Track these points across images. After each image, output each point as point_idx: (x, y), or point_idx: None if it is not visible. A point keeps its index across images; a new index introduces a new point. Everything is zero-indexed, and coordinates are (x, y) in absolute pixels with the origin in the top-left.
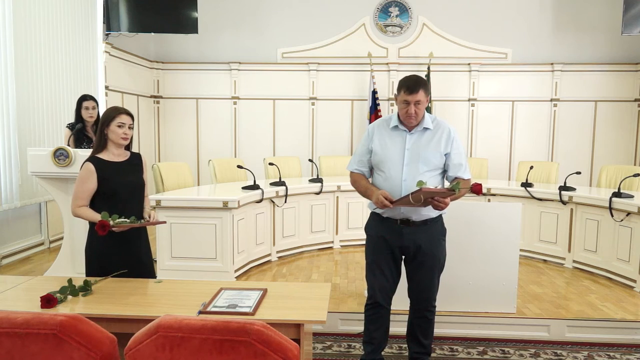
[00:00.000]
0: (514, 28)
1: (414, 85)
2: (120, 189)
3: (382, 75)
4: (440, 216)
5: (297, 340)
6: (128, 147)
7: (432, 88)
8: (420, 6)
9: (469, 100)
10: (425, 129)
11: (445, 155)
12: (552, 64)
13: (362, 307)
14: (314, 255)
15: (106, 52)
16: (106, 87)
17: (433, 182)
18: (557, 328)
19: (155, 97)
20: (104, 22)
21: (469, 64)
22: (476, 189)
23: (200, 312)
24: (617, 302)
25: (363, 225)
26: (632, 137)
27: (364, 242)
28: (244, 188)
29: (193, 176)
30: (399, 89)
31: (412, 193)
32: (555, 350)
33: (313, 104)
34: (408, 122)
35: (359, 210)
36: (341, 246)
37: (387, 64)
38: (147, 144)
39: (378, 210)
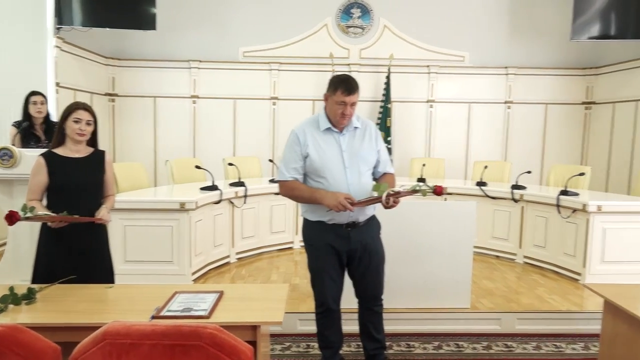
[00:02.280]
0: (471, 32)
1: (352, 86)
2: (68, 184)
3: None
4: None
5: (254, 342)
6: (93, 144)
7: (392, 89)
8: (381, 8)
9: (428, 101)
10: (355, 128)
11: (377, 151)
12: (506, 67)
13: None
14: (274, 256)
15: (57, 47)
16: (57, 84)
17: (370, 180)
18: (508, 321)
19: (110, 95)
20: (55, 16)
21: (427, 66)
22: (438, 191)
23: (152, 317)
24: (564, 295)
25: None
26: (579, 138)
27: None
28: (202, 189)
29: (150, 177)
30: (333, 89)
31: (386, 197)
32: (506, 342)
33: (274, 103)
34: (341, 123)
35: None
36: (301, 246)
37: (348, 64)
38: (102, 144)
39: (323, 218)
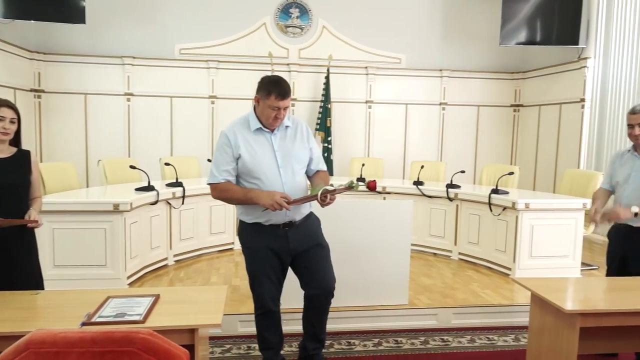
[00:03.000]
0: (406, 35)
1: (286, 90)
2: None
3: (283, 76)
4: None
5: (192, 346)
6: (16, 144)
7: (332, 90)
8: (320, 9)
9: (366, 102)
10: (286, 127)
11: (309, 149)
12: (441, 70)
13: None
14: (214, 258)
15: None
16: None
17: (303, 179)
18: (444, 316)
19: (36, 91)
20: None
21: (366, 67)
22: (372, 186)
23: (83, 324)
24: (496, 289)
25: None
26: (509, 139)
27: None
28: (137, 189)
29: (81, 178)
30: (266, 93)
31: (320, 195)
32: (443, 337)
33: (213, 102)
34: (273, 125)
35: None
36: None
37: (288, 64)
38: (27, 143)
39: (259, 219)
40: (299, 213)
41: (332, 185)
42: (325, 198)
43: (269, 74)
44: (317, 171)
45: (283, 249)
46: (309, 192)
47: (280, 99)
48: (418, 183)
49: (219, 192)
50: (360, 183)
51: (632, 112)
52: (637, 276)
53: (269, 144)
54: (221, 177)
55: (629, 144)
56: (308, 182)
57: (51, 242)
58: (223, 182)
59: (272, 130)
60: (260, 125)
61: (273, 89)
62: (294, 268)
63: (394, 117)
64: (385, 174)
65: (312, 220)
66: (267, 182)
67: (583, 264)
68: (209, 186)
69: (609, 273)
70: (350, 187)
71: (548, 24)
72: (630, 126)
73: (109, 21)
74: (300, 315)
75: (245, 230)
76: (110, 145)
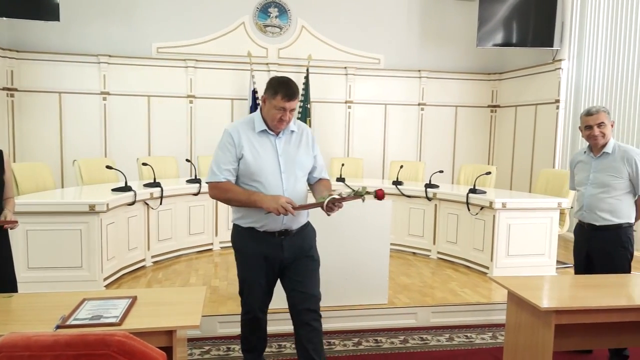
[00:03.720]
0: (385, 35)
1: (293, 91)
2: None
3: (262, 75)
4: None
5: (170, 348)
6: None
7: (311, 90)
8: (299, 9)
9: (346, 102)
10: (292, 131)
11: (314, 157)
12: (419, 70)
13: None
14: (193, 258)
15: None
16: None
17: (305, 186)
18: (423, 315)
19: (9, 89)
20: None
21: (345, 67)
22: (380, 195)
23: (57, 327)
24: (474, 288)
25: None
26: (486, 140)
27: None
28: (114, 190)
29: (56, 178)
30: (273, 92)
31: (327, 203)
32: (422, 335)
33: (191, 102)
34: (278, 127)
35: None
36: (221, 247)
37: (267, 64)
38: (0, 142)
39: (255, 224)
40: (296, 222)
41: (340, 194)
42: (333, 207)
43: (248, 73)
44: (320, 179)
45: (276, 257)
46: (309, 200)
47: (286, 99)
48: (397, 183)
49: (219, 191)
50: (367, 191)
51: (588, 113)
52: (602, 273)
53: (273, 147)
54: (222, 176)
55: None
56: (308, 190)
57: (25, 244)
58: (224, 181)
59: (277, 134)
60: (265, 127)
61: (280, 89)
62: (281, 277)
63: (373, 117)
64: (364, 174)
65: (308, 230)
66: (267, 186)
67: (558, 262)
68: (207, 185)
69: (577, 270)
70: (358, 196)
71: (524, 26)
72: (589, 127)
73: (83, 18)
74: (284, 316)
75: (239, 235)
76: (86, 145)
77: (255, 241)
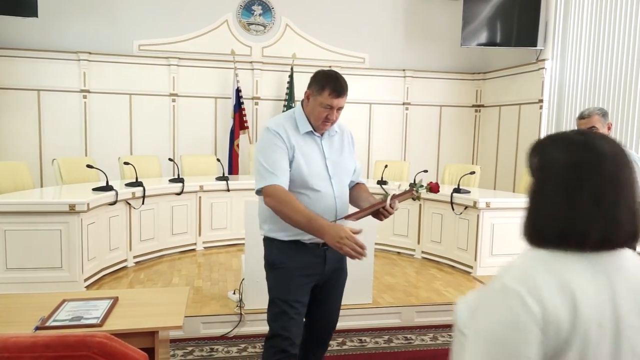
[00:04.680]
0: (370, 34)
1: (342, 87)
2: None
3: (246, 74)
4: None
5: (152, 349)
6: None
7: (295, 89)
8: (282, 7)
9: None
10: (335, 132)
11: (354, 160)
12: (404, 70)
13: (225, 308)
14: (176, 259)
15: None
16: None
17: (347, 192)
18: (407, 314)
19: None
20: None
21: (330, 66)
22: (435, 188)
23: (36, 328)
24: (458, 287)
25: (227, 225)
26: (470, 139)
27: (229, 243)
28: (94, 189)
29: (35, 178)
30: (320, 88)
31: (389, 202)
32: (406, 335)
33: (174, 100)
34: (322, 128)
35: (223, 210)
36: (204, 248)
37: (251, 62)
38: None
39: (303, 236)
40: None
41: (392, 193)
42: (394, 205)
43: (232, 72)
44: (357, 184)
45: (317, 271)
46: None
47: (335, 95)
48: (382, 182)
49: (278, 200)
50: (420, 185)
51: (581, 117)
52: None
53: (320, 150)
54: (283, 178)
55: None
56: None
57: (3, 245)
58: (282, 186)
59: (322, 135)
60: (310, 129)
61: (328, 84)
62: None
63: (358, 116)
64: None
65: None
66: (321, 195)
67: None
68: (259, 192)
69: None
70: (414, 191)
71: (508, 26)
72: None
73: (63, 15)
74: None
75: (279, 249)
76: (66, 143)
77: (299, 254)
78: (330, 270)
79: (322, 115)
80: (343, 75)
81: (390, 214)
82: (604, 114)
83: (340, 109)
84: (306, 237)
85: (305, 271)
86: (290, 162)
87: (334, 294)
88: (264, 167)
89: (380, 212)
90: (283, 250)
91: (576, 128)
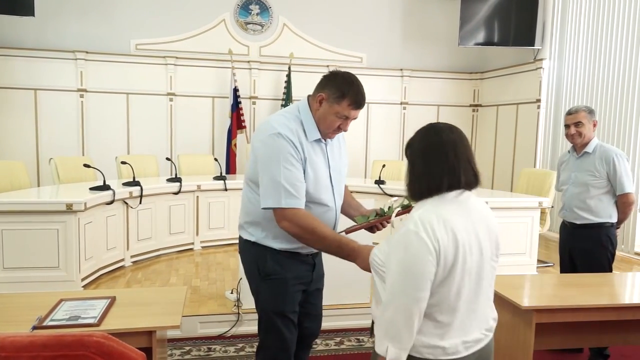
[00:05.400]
0: (367, 34)
1: (364, 98)
2: None
3: (244, 73)
4: None
5: (150, 349)
6: None
7: (293, 88)
8: (280, 6)
9: None
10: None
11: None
12: (401, 69)
13: (222, 308)
14: (173, 258)
15: None
16: None
17: None
18: None
19: None
20: None
21: (327, 65)
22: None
23: (34, 328)
24: None
25: (225, 224)
26: (468, 138)
27: (226, 242)
28: (92, 189)
29: (32, 177)
30: (339, 95)
31: (374, 223)
32: None
33: (171, 99)
34: (331, 136)
35: (221, 210)
36: (202, 247)
37: (248, 62)
38: None
39: (297, 247)
40: None
41: (386, 207)
42: (380, 225)
43: (230, 71)
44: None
45: (308, 279)
46: (359, 219)
47: (354, 107)
48: (379, 182)
49: (302, 227)
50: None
51: (568, 112)
52: (583, 271)
53: (325, 158)
54: (300, 201)
55: None
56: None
57: (0, 244)
58: (304, 210)
59: (325, 140)
60: (319, 136)
61: (349, 92)
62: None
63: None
64: (347, 173)
65: None
66: (327, 207)
67: (539, 261)
68: (276, 211)
69: (562, 269)
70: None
71: (505, 25)
72: (567, 126)
73: (60, 14)
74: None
75: (273, 259)
76: (63, 143)
77: (292, 263)
78: (316, 277)
79: (334, 125)
80: None
81: (385, 227)
82: (590, 111)
83: (354, 119)
84: (303, 249)
85: (299, 280)
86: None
87: (318, 304)
88: (281, 184)
89: (376, 225)
90: (277, 260)
91: (563, 124)
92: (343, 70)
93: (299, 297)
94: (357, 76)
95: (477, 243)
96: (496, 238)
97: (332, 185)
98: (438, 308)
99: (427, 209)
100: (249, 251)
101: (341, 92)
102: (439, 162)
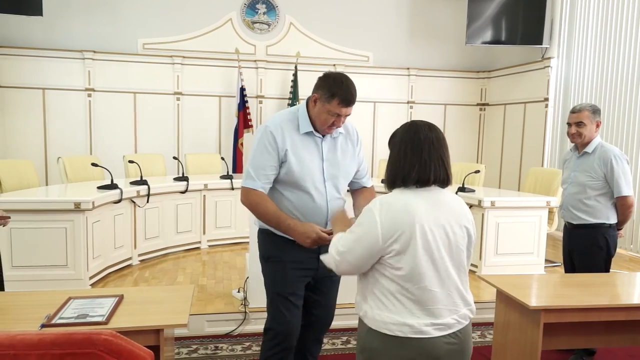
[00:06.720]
0: (374, 33)
1: (353, 96)
2: None
3: (250, 72)
4: None
5: (157, 347)
6: None
7: (300, 87)
8: (287, 5)
9: None
10: (339, 133)
11: (358, 162)
12: (408, 68)
13: (229, 307)
14: (180, 257)
15: None
16: None
17: (344, 197)
18: None
19: None
20: None
21: (334, 64)
22: None
23: (43, 326)
24: None
25: (232, 223)
26: (475, 138)
27: (233, 241)
28: (99, 188)
29: (40, 176)
30: (329, 95)
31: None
32: None
33: (178, 99)
34: (328, 132)
35: (227, 208)
36: (209, 246)
37: (255, 61)
38: None
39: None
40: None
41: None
42: None
43: (236, 70)
44: (362, 188)
45: (313, 266)
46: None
47: (344, 105)
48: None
49: (251, 202)
50: None
51: (572, 110)
52: (581, 272)
53: (318, 151)
54: (260, 183)
55: None
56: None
57: (9, 243)
58: (260, 191)
59: (323, 135)
60: (311, 129)
61: (338, 92)
62: (310, 292)
63: (362, 115)
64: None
65: None
66: (314, 196)
67: (547, 260)
68: (241, 189)
69: (565, 269)
70: None
71: (513, 24)
72: (569, 125)
73: (67, 13)
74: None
75: (271, 242)
76: (71, 142)
77: (291, 248)
78: (325, 267)
79: (328, 122)
80: (347, 74)
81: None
82: (594, 111)
83: (347, 115)
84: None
85: (299, 265)
86: (282, 163)
87: (330, 294)
88: (249, 166)
89: None
90: (277, 244)
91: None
92: (349, 69)
93: (302, 281)
94: (364, 75)
95: (441, 229)
96: (468, 232)
97: (323, 178)
98: (403, 283)
99: (393, 194)
100: (258, 237)
101: (331, 93)
102: (412, 156)
